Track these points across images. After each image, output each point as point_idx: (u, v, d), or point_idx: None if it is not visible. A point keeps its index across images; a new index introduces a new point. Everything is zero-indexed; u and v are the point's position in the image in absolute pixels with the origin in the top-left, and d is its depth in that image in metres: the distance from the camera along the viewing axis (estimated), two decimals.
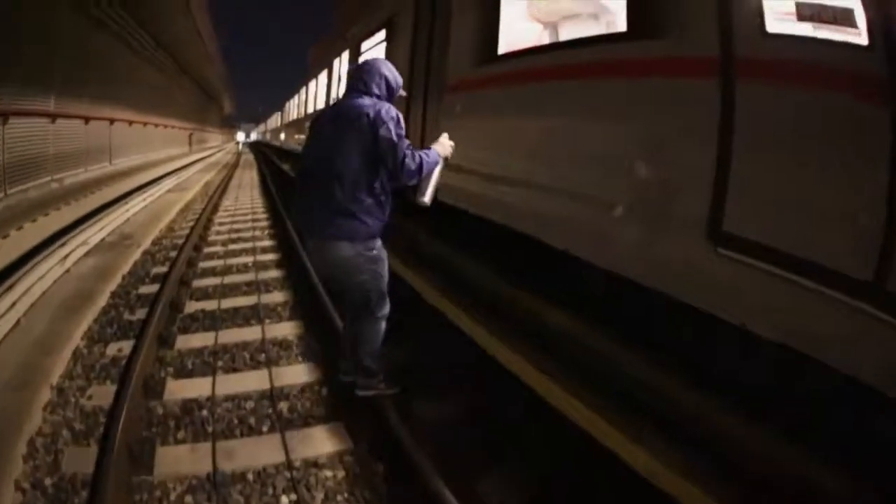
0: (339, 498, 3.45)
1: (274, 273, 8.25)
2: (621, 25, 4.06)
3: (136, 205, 14.07)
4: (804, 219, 2.81)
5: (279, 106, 42.06)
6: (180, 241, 10.34)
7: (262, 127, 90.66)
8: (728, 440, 3.29)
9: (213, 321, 6.22)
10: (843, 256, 2.64)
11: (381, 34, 9.89)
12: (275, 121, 48.94)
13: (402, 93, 4.36)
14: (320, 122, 4.21)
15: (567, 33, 5.28)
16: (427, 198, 4.13)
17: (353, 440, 3.96)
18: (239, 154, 57.17)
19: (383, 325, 4.25)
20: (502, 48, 5.40)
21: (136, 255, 9.41)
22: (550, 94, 4.60)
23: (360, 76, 4.11)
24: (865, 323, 2.52)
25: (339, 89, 13.54)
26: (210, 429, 4.13)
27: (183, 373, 5.00)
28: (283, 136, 34.28)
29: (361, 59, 11.08)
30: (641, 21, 3.77)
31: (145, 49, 23.58)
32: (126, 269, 8.46)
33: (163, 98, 30.50)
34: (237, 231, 11.90)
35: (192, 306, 6.73)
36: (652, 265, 3.60)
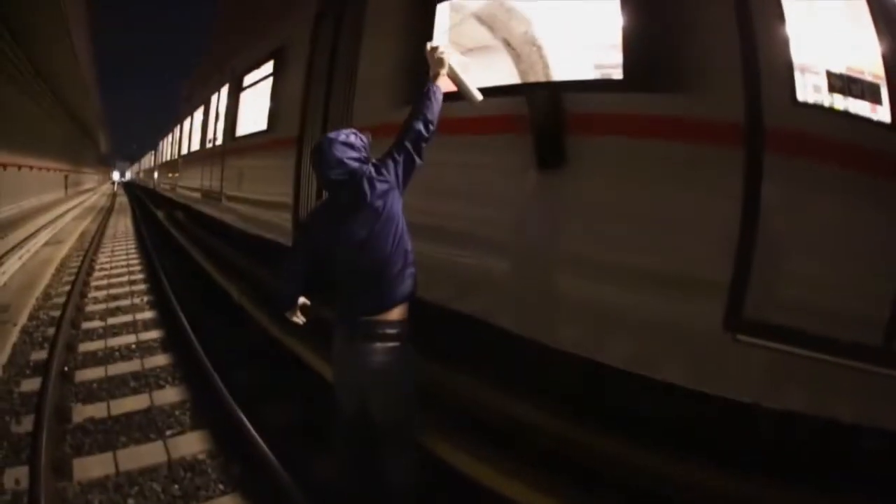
0: None
1: (161, 359, 7.43)
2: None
3: (12, 265, 12.78)
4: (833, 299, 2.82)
5: (153, 144, 40.26)
6: (57, 314, 9.46)
7: (136, 167, 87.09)
8: None
9: (107, 436, 5.39)
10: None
11: (269, 66, 9.04)
12: (148, 161, 47.04)
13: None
14: (324, 225, 3.68)
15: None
16: (477, 95, 3.80)
17: None
18: (114, 195, 54.82)
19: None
20: None
21: (14, 335, 8.36)
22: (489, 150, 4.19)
23: (333, 168, 3.57)
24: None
25: (216, 129, 12.63)
26: None
27: None
28: (156, 176, 32.77)
29: (244, 95, 10.48)
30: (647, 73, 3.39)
31: (21, 75, 19.86)
32: (4, 357, 7.44)
33: (38, 134, 27.42)
34: (115, 298, 10.97)
35: (79, 412, 5.87)
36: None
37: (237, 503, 4.34)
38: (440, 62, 3.72)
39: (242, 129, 10.46)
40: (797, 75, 2.92)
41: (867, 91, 2.84)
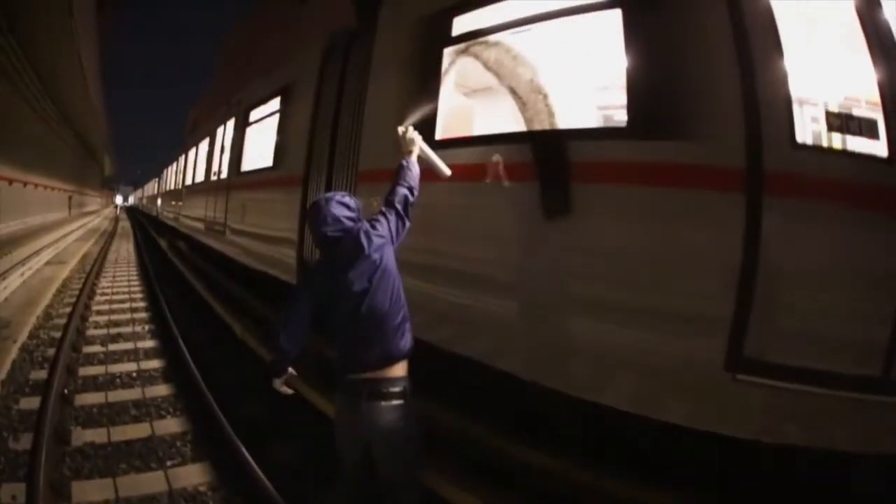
0: None
1: (162, 389, 7.33)
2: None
3: (14, 281, 12.70)
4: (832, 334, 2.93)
5: (157, 172, 40.23)
6: (57, 335, 9.36)
7: (139, 192, 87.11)
8: None
9: (107, 462, 5.31)
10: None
11: (275, 103, 9.04)
12: (152, 187, 47.02)
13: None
14: (324, 278, 3.73)
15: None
16: (445, 170, 4.30)
17: None
18: (116, 220, 54.68)
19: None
20: (441, 132, 4.72)
21: (14, 352, 8.28)
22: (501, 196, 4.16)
23: (330, 225, 3.69)
24: None
25: (221, 162, 12.63)
26: None
27: None
28: (159, 203, 32.69)
29: (250, 131, 10.50)
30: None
31: (30, 90, 19.94)
32: (3, 373, 7.37)
33: (45, 153, 27.27)
34: (116, 325, 10.82)
35: (79, 436, 5.79)
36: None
37: None
38: (411, 142, 4.16)
39: (248, 164, 10.47)
40: (796, 118, 3.02)
41: (864, 127, 2.98)
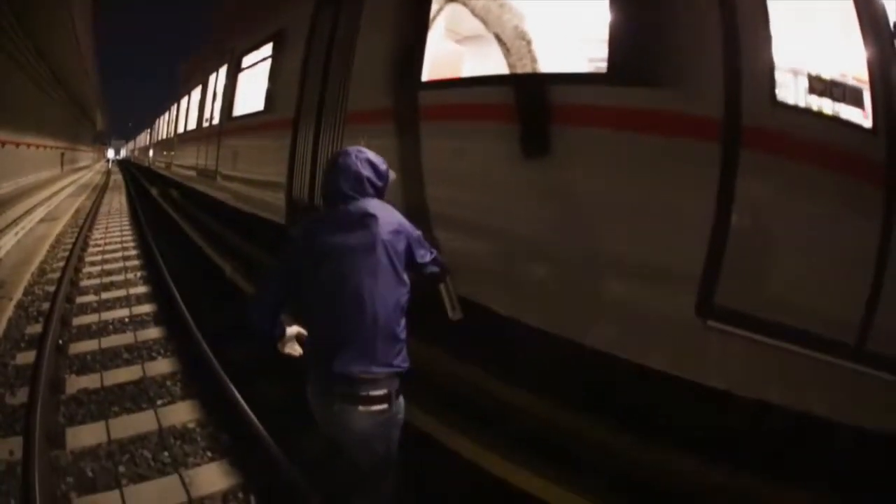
0: None
1: (153, 332, 7.42)
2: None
3: (8, 241, 12.69)
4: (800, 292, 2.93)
5: (149, 123, 39.79)
6: (52, 289, 9.35)
7: (131, 145, 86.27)
8: None
9: (100, 406, 5.40)
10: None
11: (268, 49, 8.97)
12: (144, 139, 46.58)
13: None
14: (326, 238, 3.05)
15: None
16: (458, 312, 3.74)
17: None
18: (108, 173, 54.27)
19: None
20: (428, 74, 4.70)
21: (10, 310, 8.31)
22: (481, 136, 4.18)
23: (350, 181, 3.09)
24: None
25: (213, 109, 12.63)
26: None
27: (85, 485, 4.18)
28: (151, 154, 32.53)
29: (242, 77, 10.47)
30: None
31: (21, 53, 19.30)
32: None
33: (37, 112, 26.56)
34: (109, 274, 10.92)
35: (73, 383, 5.86)
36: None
37: (224, 470, 4.35)
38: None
39: (240, 109, 10.44)
40: (778, 77, 2.97)
41: (849, 95, 2.91)
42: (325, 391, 2.93)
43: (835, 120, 2.94)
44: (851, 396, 2.87)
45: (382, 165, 3.21)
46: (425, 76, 4.71)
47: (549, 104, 3.73)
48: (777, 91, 2.96)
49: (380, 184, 3.16)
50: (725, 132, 2.98)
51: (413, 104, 4.75)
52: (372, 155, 3.19)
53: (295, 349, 3.22)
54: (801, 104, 2.97)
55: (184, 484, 4.16)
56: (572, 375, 3.90)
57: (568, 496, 3.43)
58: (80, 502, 3.98)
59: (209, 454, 4.59)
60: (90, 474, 4.33)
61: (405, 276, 3.01)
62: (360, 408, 2.84)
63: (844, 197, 2.85)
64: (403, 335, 2.97)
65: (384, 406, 2.87)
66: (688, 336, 3.13)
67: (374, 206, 3.05)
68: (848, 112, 2.92)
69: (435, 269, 3.36)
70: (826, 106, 2.95)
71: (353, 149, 3.20)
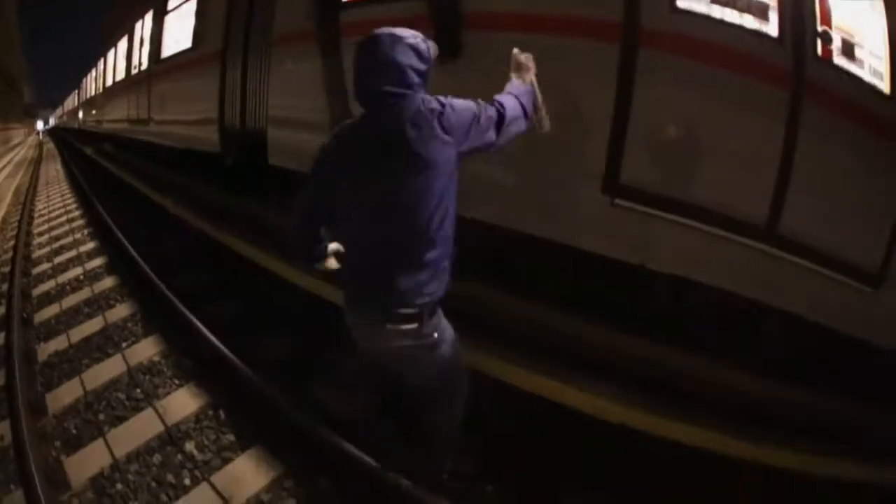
0: None
1: (108, 282, 7.36)
2: None
3: None
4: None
5: (76, 85, 38.13)
6: (7, 270, 9.02)
7: (59, 111, 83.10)
8: None
9: (71, 364, 5.39)
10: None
11: None
12: (72, 101, 44.80)
13: None
14: (342, 165, 2.70)
15: None
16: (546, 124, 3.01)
17: (284, 465, 3.58)
18: (41, 145, 52.55)
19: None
20: None
21: None
22: None
23: (387, 72, 2.56)
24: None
25: (141, 55, 12.34)
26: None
27: (71, 443, 4.22)
28: (81, 115, 31.43)
29: (168, 21, 10.18)
30: None
31: None
32: None
33: None
34: (58, 239, 10.69)
35: (44, 350, 5.81)
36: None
37: (192, 393, 4.48)
38: (523, 67, 2.95)
39: (168, 50, 10.27)
40: None
41: (754, 6, 3.07)
42: (359, 310, 2.80)
43: (736, 27, 3.07)
44: (756, 274, 3.14)
45: (423, 45, 2.63)
46: None
47: (462, 14, 3.89)
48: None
49: (424, 68, 2.62)
50: (625, 34, 3.15)
51: (335, 23, 4.87)
52: (409, 35, 2.61)
53: (330, 263, 3.01)
54: (704, 12, 3.10)
55: (158, 414, 4.26)
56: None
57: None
58: (71, 462, 4.02)
59: (177, 381, 4.69)
60: (74, 431, 4.37)
61: (451, 193, 2.61)
62: (388, 326, 2.66)
63: (749, 96, 3.04)
64: (443, 260, 2.69)
65: (414, 325, 2.67)
66: (598, 213, 3.32)
67: (405, 110, 2.53)
68: (752, 22, 3.06)
69: (513, 128, 2.74)
70: (730, 15, 3.09)
71: (384, 33, 2.59)
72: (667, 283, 3.32)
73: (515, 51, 2.99)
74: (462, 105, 2.58)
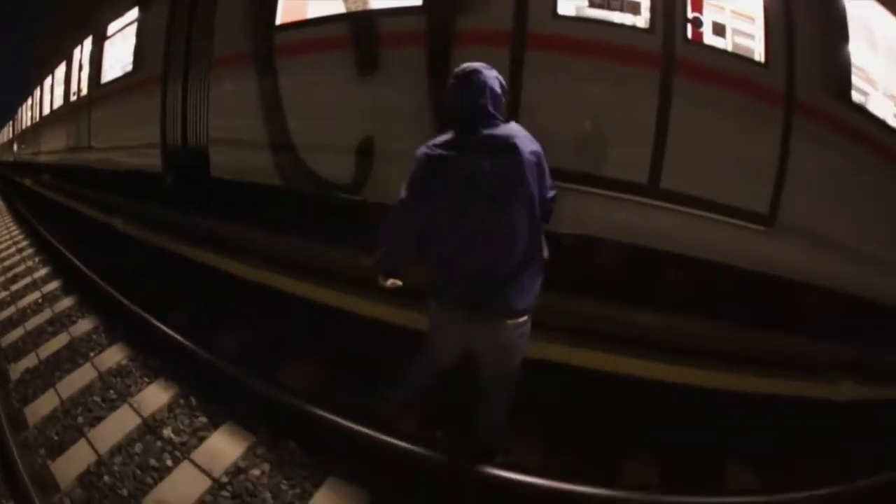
0: None
1: (67, 301, 7.43)
2: None
3: None
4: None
5: (9, 116, 36.75)
6: None
7: None
8: None
9: (44, 378, 5.52)
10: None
11: (134, 13, 8.84)
12: (7, 134, 43.03)
13: None
14: (442, 189, 2.96)
15: None
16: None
17: (255, 434, 3.96)
18: None
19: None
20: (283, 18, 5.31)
21: None
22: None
23: (483, 98, 2.92)
24: None
25: (80, 80, 12.15)
26: (124, 492, 3.74)
27: (55, 449, 4.39)
28: (15, 147, 30.45)
29: (109, 45, 10.15)
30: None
31: None
32: None
33: None
34: (10, 269, 10.49)
35: (15, 370, 5.89)
36: None
37: (162, 387, 4.77)
38: None
39: (109, 75, 10.17)
40: None
41: (626, 5, 3.93)
42: (472, 307, 3.01)
43: (611, 24, 3.95)
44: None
45: (503, 84, 3.05)
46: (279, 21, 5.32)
47: (378, 34, 4.63)
48: (559, 6, 3.99)
49: (503, 100, 3.03)
50: (514, 40, 4.00)
51: (269, 44, 5.37)
52: (496, 72, 3.03)
53: (395, 283, 3.22)
54: (581, 15, 3.99)
55: (134, 409, 4.52)
56: None
57: None
58: (58, 465, 4.20)
59: (146, 379, 4.94)
60: (56, 437, 4.53)
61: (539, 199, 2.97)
62: (509, 321, 2.99)
63: (625, 79, 3.93)
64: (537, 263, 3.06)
65: (525, 318, 3.05)
66: None
67: (515, 129, 2.96)
68: (626, 18, 3.92)
69: (549, 206, 3.15)
70: (607, 15, 3.96)
71: (480, 64, 2.99)
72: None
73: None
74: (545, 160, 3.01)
